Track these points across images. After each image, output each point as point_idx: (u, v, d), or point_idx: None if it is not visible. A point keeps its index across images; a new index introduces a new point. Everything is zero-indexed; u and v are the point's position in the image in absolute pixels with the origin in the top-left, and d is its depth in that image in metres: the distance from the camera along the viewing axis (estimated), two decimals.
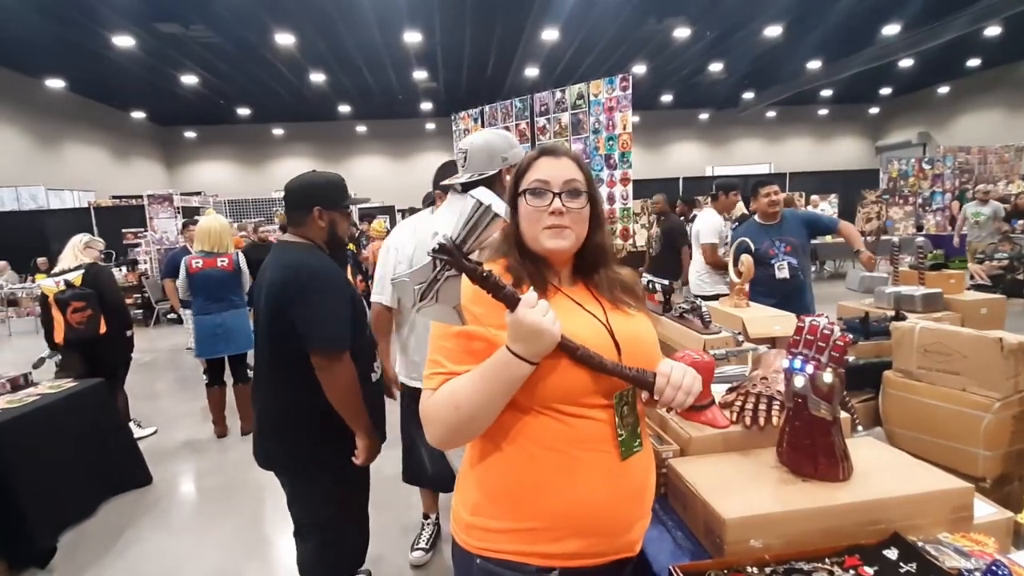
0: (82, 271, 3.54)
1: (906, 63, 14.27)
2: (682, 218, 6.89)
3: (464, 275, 0.79)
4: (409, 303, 0.81)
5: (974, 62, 15.42)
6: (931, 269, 2.85)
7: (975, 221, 7.64)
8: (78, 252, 3.64)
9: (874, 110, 20.80)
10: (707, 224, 4.10)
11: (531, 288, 0.84)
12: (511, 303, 0.80)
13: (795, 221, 3.18)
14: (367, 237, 6.63)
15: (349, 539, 1.88)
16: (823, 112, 20.62)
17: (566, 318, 0.87)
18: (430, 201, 2.60)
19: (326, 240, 1.78)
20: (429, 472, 2.22)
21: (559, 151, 0.99)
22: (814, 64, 14.33)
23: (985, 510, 1.06)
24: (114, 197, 12.44)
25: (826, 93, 18.26)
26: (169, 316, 8.53)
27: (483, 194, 0.77)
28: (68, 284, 3.47)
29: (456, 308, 0.80)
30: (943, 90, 17.80)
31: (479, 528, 0.92)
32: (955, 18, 10.07)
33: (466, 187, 1.77)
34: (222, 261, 3.87)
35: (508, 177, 1.77)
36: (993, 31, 11.98)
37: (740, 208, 9.97)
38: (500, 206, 0.76)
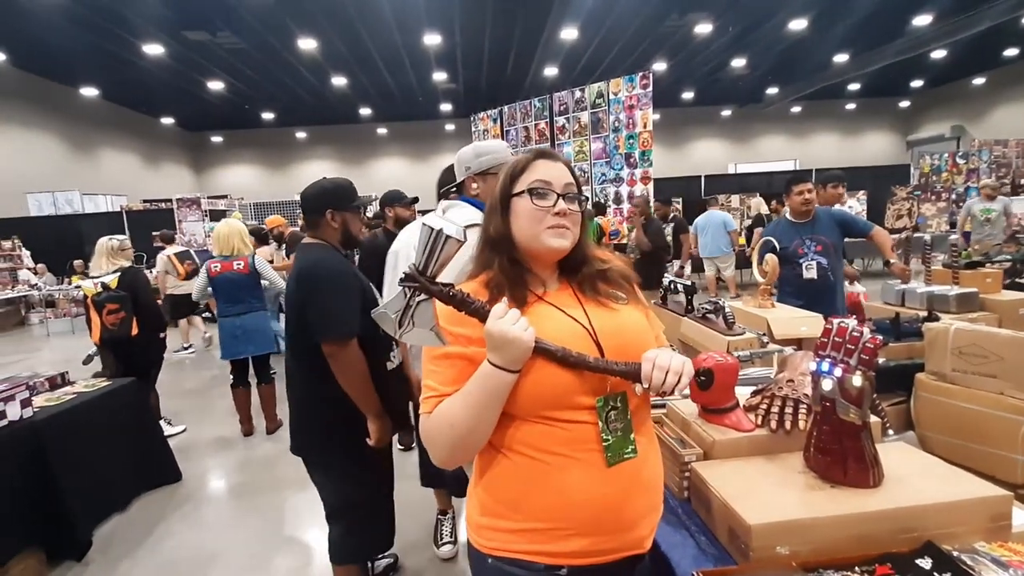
0: (118, 274, 3.66)
1: (938, 54, 13.81)
2: (662, 223, 6.34)
3: (433, 297, 0.84)
4: (390, 331, 0.86)
5: (1012, 51, 14.83)
6: (966, 268, 2.75)
7: (985, 219, 6.97)
8: (113, 255, 3.76)
9: (904, 103, 20.18)
10: None
11: (503, 300, 0.87)
12: (482, 316, 0.85)
13: (829, 220, 3.10)
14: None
15: (374, 522, 1.98)
16: (851, 106, 20.08)
17: (546, 324, 0.89)
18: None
19: (341, 239, 1.92)
20: (446, 475, 2.24)
21: (554, 155, 1.01)
22: (841, 57, 13.97)
23: None
24: (145, 201, 12.83)
25: (854, 87, 17.79)
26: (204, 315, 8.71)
27: (433, 220, 0.82)
28: (104, 286, 3.59)
29: (433, 329, 0.85)
30: (978, 81, 17.17)
31: (489, 528, 0.95)
32: (992, 6, 9.70)
33: (441, 198, 1.95)
34: (238, 264, 3.95)
35: (475, 184, 1.83)
36: None
37: (757, 207, 9.78)
38: (451, 228, 0.81)
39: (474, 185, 1.83)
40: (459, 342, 0.90)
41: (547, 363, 0.87)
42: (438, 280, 0.84)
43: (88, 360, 3.84)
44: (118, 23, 9.24)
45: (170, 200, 10.38)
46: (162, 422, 4.01)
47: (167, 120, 17.29)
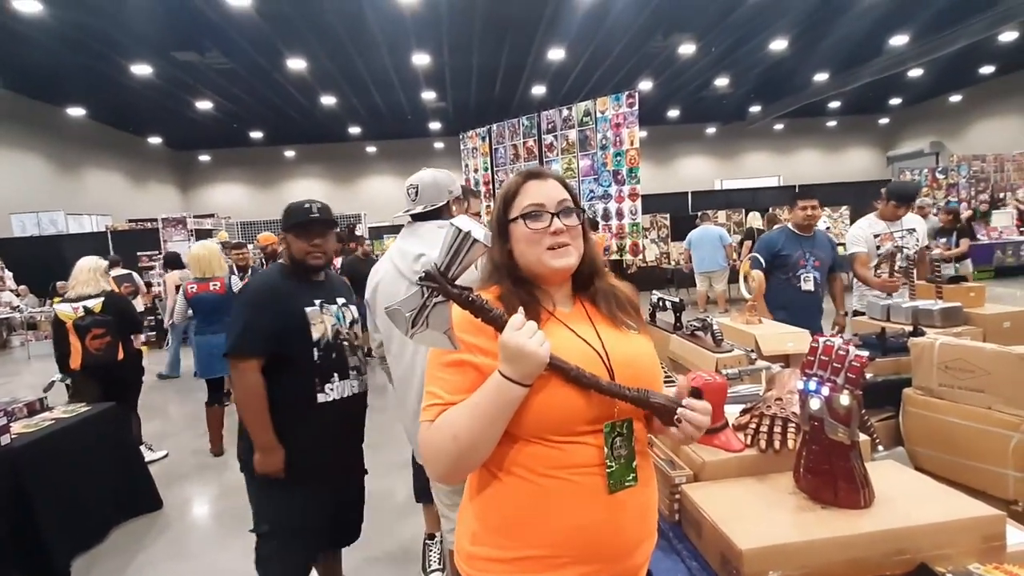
0: (102, 298, 3.58)
1: (916, 72, 14.20)
2: None
3: (451, 301, 0.82)
4: (402, 330, 0.83)
5: (988, 69, 15.29)
6: (949, 282, 2.78)
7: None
8: (99, 277, 3.67)
9: (884, 120, 20.66)
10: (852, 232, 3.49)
11: (520, 311, 0.84)
12: (498, 325, 0.82)
13: (825, 240, 3.19)
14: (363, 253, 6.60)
15: (283, 561, 1.86)
16: (832, 123, 20.53)
17: (557, 343, 0.87)
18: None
19: (290, 261, 1.92)
20: None
21: (544, 173, 1.00)
22: (821, 76, 14.31)
23: (1019, 537, 1.01)
24: (130, 220, 12.70)
25: (834, 104, 18.20)
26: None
27: (463, 222, 0.81)
28: (87, 311, 3.50)
29: (447, 333, 0.83)
30: (955, 98, 17.65)
31: (480, 558, 0.91)
32: (967, 25, 10.02)
33: (417, 217, 1.88)
34: (214, 285, 4.04)
35: (456, 207, 1.87)
36: (1009, 36, 11.88)
37: (751, 220, 9.90)
38: (479, 232, 0.79)
39: (454, 208, 1.89)
40: (471, 351, 0.87)
41: (558, 382, 0.85)
42: (458, 283, 0.82)
43: (49, 387, 3.44)
44: (107, 44, 9.24)
45: (155, 219, 10.27)
46: (143, 447, 3.91)
47: (154, 139, 17.23)
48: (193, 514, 3.36)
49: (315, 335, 1.82)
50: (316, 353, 1.82)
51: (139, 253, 10.28)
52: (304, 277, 1.90)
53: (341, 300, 1.97)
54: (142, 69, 10.44)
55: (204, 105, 13.37)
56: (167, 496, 3.43)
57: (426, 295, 0.81)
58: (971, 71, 15.30)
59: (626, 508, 0.89)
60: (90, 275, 3.65)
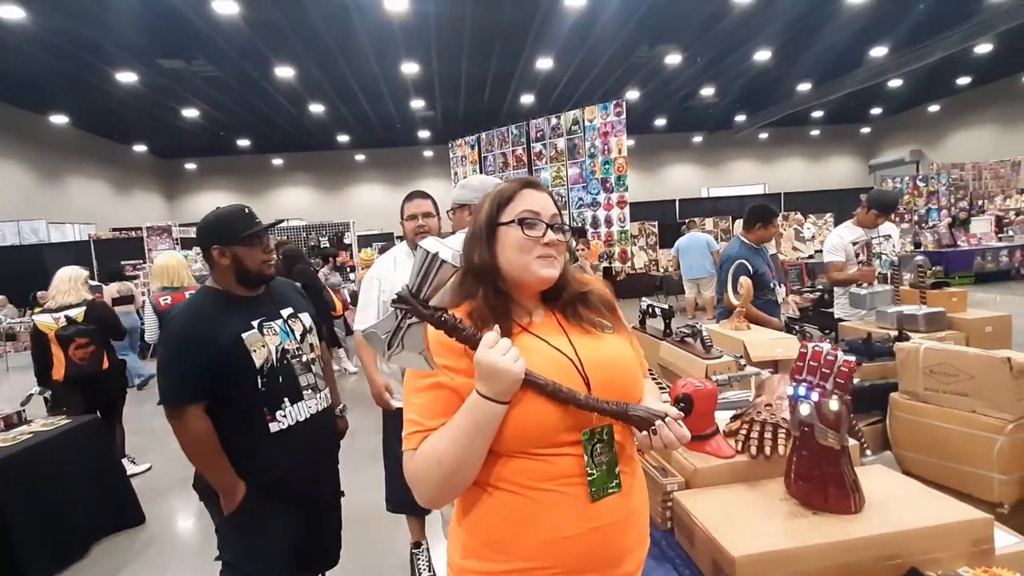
0: (84, 308, 3.51)
1: (896, 83, 14.52)
2: None
3: (424, 321, 0.83)
4: (379, 352, 0.84)
5: (965, 80, 15.70)
6: (932, 287, 2.83)
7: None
8: (80, 287, 3.61)
9: (866, 129, 21.08)
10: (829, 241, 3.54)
11: (494, 328, 0.85)
12: (472, 344, 0.83)
13: (765, 252, 3.26)
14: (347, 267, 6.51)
15: None
16: (815, 132, 20.89)
17: (531, 357, 0.87)
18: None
19: (236, 278, 1.67)
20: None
21: (540, 185, 1.01)
22: (804, 86, 14.58)
23: (1006, 540, 1.02)
24: (114, 229, 12.52)
25: (817, 114, 18.54)
26: None
27: (431, 243, 0.82)
28: (70, 320, 3.44)
29: (423, 353, 0.84)
30: (934, 108, 18.07)
31: (471, 571, 0.90)
32: (944, 38, 10.29)
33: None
34: (189, 295, 3.81)
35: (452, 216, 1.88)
36: (984, 48, 12.22)
37: (738, 228, 10.02)
38: (447, 252, 0.81)
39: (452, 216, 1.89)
40: (444, 373, 0.87)
41: (535, 396, 0.85)
42: (431, 304, 0.83)
43: (27, 401, 3.32)
44: (91, 51, 9.14)
45: (140, 228, 10.14)
46: (125, 460, 3.83)
47: (139, 147, 17.04)
48: (177, 529, 3.29)
49: (257, 362, 1.62)
50: (260, 381, 1.63)
51: (123, 262, 10.14)
52: (236, 299, 1.67)
53: (287, 311, 1.76)
54: (127, 76, 10.34)
55: (190, 113, 13.27)
56: (150, 511, 3.35)
57: (399, 317, 0.83)
58: (948, 82, 15.69)
59: (613, 515, 0.89)
60: (71, 284, 3.58)
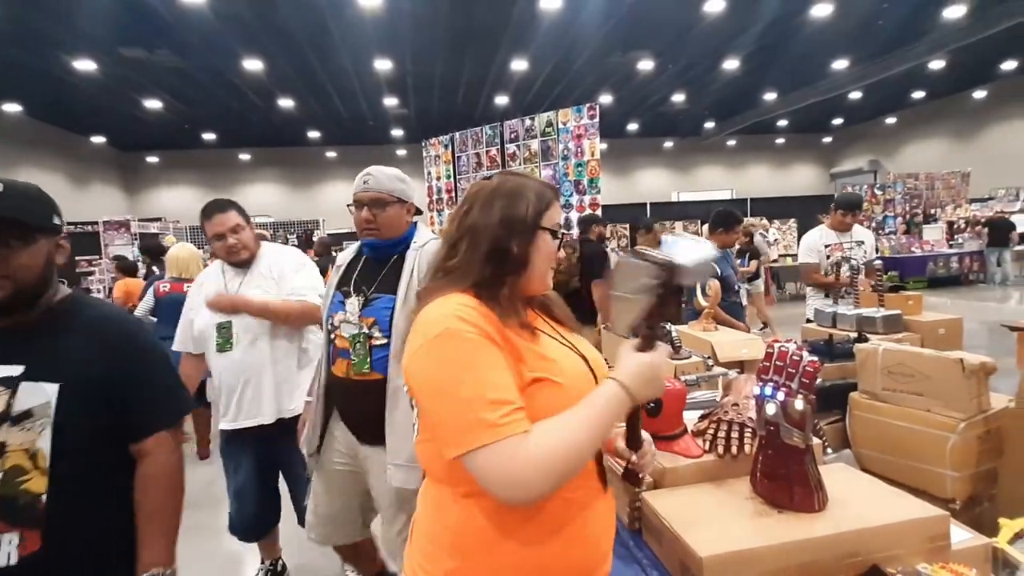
0: None
1: (855, 95, 15.10)
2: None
3: (662, 296, 0.82)
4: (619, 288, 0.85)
5: (919, 94, 16.44)
6: (889, 291, 2.93)
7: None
8: None
9: (827, 139, 21.86)
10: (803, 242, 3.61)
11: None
12: (652, 343, 0.84)
13: (728, 256, 3.34)
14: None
15: None
16: (780, 141, 21.56)
17: (559, 356, 0.87)
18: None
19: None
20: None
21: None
22: (771, 95, 15.03)
23: (961, 536, 1.05)
24: (70, 223, 11.97)
25: (782, 123, 19.12)
26: None
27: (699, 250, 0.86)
28: None
29: (631, 324, 0.84)
30: (890, 120, 18.87)
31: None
32: (901, 52, 10.76)
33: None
34: (188, 287, 3.78)
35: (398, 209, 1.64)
36: (937, 64, 12.82)
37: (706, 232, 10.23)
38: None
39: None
40: (494, 341, 0.79)
41: (561, 403, 0.82)
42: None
43: None
44: (46, 37, 8.71)
45: (97, 223, 9.72)
46: None
47: (98, 139, 16.33)
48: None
49: None
50: None
51: (78, 258, 9.71)
52: None
53: None
54: (85, 65, 9.90)
55: (153, 104, 12.79)
56: None
57: (655, 280, 0.81)
58: (904, 96, 16.41)
59: (610, 516, 0.91)
60: None
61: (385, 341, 1.57)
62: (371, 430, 1.60)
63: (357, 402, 1.63)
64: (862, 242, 3.41)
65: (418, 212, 1.81)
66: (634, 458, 0.92)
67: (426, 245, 1.70)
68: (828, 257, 3.35)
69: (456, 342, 0.77)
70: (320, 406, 1.72)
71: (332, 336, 1.66)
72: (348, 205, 1.71)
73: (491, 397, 0.74)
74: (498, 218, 0.88)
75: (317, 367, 1.81)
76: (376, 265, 1.69)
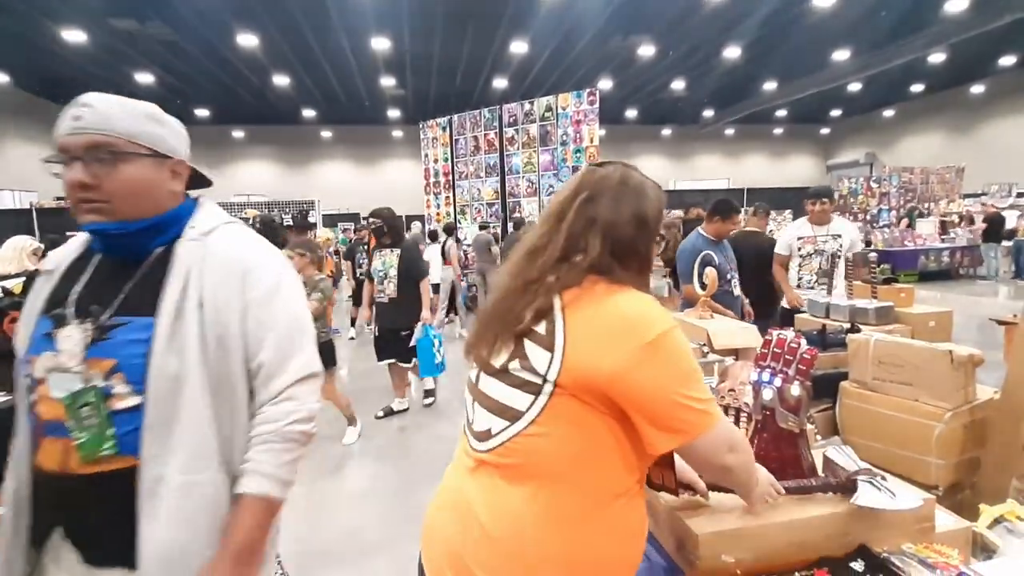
0: (23, 279, 3.31)
1: (854, 87, 15.08)
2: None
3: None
4: None
5: (918, 87, 16.44)
6: (883, 283, 2.97)
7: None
8: (24, 258, 3.42)
9: (825, 130, 21.87)
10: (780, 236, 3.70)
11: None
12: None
13: (728, 246, 3.33)
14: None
15: None
16: (778, 131, 21.53)
17: None
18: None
19: None
20: None
21: None
22: (770, 85, 14.97)
23: (945, 520, 1.09)
24: (59, 198, 11.80)
25: (781, 113, 19.09)
26: None
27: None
28: (6, 291, 3.24)
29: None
30: (888, 113, 18.88)
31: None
32: (902, 45, 10.73)
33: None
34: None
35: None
36: (937, 58, 12.80)
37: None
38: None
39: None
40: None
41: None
42: None
43: None
44: (34, 4, 8.49)
45: None
46: None
47: None
48: None
49: None
50: None
51: (68, 233, 9.59)
52: None
53: None
54: (74, 35, 9.68)
55: (144, 78, 12.56)
56: None
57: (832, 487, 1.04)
58: (903, 88, 16.41)
59: None
60: (14, 254, 3.39)
61: (137, 401, 0.90)
62: (113, 547, 0.91)
63: (88, 509, 0.92)
64: (839, 235, 3.42)
65: (200, 179, 1.13)
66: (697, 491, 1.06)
67: (220, 236, 1.04)
68: (800, 249, 3.41)
69: (677, 338, 0.82)
70: (18, 527, 0.95)
71: (32, 398, 0.96)
72: (45, 160, 1.01)
73: (703, 382, 0.85)
74: (630, 214, 0.87)
75: (11, 457, 1.00)
76: (117, 268, 1.00)
